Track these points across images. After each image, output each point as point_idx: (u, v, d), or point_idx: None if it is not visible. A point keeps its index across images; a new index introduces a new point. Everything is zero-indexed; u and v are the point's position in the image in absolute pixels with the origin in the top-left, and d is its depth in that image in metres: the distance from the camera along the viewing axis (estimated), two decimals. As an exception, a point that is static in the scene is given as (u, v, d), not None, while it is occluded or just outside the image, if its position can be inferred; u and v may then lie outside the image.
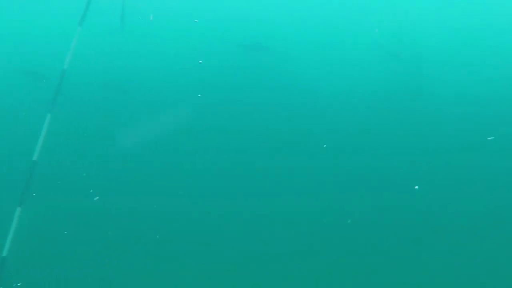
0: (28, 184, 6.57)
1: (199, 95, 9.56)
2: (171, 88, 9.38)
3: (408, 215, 6.49)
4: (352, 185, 7.03)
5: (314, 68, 9.73)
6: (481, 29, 10.97)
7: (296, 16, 11.36)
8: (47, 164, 7.01)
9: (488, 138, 7.74)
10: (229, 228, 6.44)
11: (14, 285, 5.71)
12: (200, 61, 10.04)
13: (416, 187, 6.89)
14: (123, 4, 10.51)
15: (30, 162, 6.76)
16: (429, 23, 11.03)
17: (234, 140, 7.96)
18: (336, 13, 11.39)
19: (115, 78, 9.19)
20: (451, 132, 7.98)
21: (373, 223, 6.48)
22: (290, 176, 7.25)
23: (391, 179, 7.11)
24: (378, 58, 10.12)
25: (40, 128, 7.02)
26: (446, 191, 6.88)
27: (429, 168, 7.29)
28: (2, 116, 7.96)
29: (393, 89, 9.08)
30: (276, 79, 9.61)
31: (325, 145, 7.67)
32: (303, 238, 6.29)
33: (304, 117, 8.42)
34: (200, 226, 6.52)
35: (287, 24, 11.04)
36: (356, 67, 9.78)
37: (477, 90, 9.06)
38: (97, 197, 6.99)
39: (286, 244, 6.19)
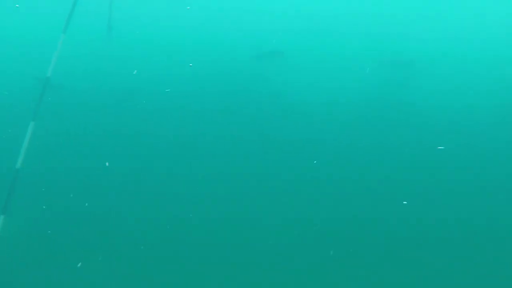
0: (11, 192, 6.55)
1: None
2: (158, 94, 9.41)
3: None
4: (361, 193, 7.05)
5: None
6: (475, 37, 11.13)
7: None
8: (30, 172, 6.99)
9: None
10: (222, 232, 6.44)
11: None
12: (191, 64, 10.09)
13: (405, 202, 6.94)
14: (110, 11, 10.52)
15: (13, 170, 6.74)
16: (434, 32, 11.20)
17: (233, 145, 8.01)
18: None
19: (100, 85, 9.21)
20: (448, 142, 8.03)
21: (367, 232, 6.48)
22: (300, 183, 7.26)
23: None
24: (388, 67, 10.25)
25: (23, 136, 7.00)
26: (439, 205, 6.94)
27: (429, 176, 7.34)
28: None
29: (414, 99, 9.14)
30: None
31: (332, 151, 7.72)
32: (296, 244, 6.28)
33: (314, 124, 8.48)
34: (190, 231, 6.52)
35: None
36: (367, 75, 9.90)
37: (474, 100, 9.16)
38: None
39: (279, 250, 6.18)
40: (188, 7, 10.19)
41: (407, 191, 7.01)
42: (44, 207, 6.76)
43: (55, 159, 7.54)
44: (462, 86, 9.71)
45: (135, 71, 8.81)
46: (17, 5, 10.72)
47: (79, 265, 5.99)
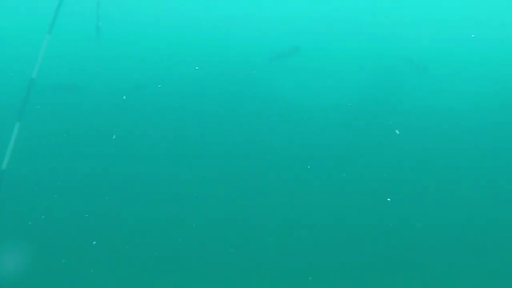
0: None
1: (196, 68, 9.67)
2: (148, 94, 9.40)
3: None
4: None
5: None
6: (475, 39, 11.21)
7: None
8: (15, 173, 6.96)
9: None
10: (221, 233, 6.43)
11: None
12: (197, 68, 10.12)
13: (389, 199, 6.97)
14: (97, 11, 10.48)
15: (-1, 171, 6.73)
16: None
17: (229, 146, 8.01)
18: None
19: (87, 86, 9.17)
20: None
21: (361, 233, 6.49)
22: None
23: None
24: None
25: (8, 137, 6.97)
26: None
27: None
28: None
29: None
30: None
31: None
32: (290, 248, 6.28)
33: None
34: (182, 232, 6.51)
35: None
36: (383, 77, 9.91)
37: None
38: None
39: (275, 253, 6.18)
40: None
41: (411, 193, 7.03)
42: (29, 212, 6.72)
43: (41, 160, 7.51)
44: (472, 86, 9.74)
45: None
46: None
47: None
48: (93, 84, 9.40)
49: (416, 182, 7.21)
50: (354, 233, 6.39)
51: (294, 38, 11.30)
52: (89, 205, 6.78)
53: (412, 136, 8.24)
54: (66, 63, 9.30)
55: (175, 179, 7.29)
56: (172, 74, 9.97)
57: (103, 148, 7.83)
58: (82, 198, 6.92)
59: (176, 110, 8.84)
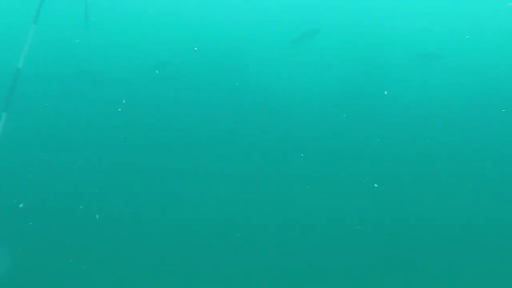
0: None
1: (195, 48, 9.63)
2: (137, 82, 9.38)
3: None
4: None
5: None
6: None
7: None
8: (2, 163, 6.98)
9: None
10: (219, 231, 6.46)
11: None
12: (195, 48, 10.09)
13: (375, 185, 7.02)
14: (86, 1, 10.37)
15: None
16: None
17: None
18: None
19: (76, 74, 9.14)
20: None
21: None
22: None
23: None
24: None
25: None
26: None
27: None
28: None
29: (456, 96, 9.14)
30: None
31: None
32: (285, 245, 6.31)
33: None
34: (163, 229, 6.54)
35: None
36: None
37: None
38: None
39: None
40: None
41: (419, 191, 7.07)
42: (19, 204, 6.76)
43: (27, 150, 7.52)
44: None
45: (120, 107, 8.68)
46: None
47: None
48: (81, 74, 9.37)
49: (415, 175, 7.25)
50: (350, 230, 6.45)
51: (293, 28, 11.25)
52: (78, 195, 6.81)
53: (408, 130, 8.27)
54: (53, 52, 9.24)
55: (167, 170, 7.31)
56: (165, 62, 9.93)
57: (91, 139, 7.85)
58: (70, 188, 6.95)
59: (169, 101, 8.82)
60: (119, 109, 8.19)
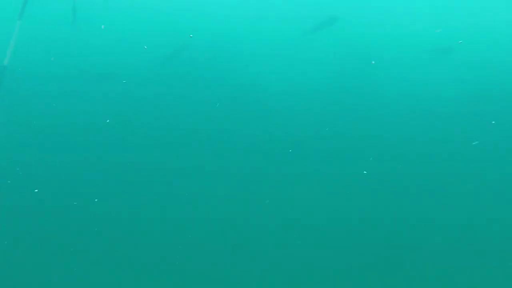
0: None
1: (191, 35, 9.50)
2: (127, 78, 9.24)
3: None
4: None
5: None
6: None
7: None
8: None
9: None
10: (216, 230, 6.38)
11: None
12: (191, 35, 9.93)
13: (365, 171, 6.97)
14: None
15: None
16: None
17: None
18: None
19: (61, 73, 8.97)
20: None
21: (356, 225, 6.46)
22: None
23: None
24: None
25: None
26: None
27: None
28: None
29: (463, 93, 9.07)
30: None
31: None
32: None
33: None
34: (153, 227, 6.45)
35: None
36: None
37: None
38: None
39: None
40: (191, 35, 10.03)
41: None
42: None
43: (13, 149, 7.38)
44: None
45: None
46: None
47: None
48: (69, 70, 9.20)
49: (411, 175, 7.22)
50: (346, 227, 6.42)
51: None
52: (66, 193, 6.69)
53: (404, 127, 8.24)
54: (40, 49, 9.06)
55: (163, 169, 7.20)
56: (153, 59, 9.80)
57: (79, 137, 7.71)
58: (57, 186, 6.81)
59: (166, 99, 8.68)
60: (107, 120, 8.02)
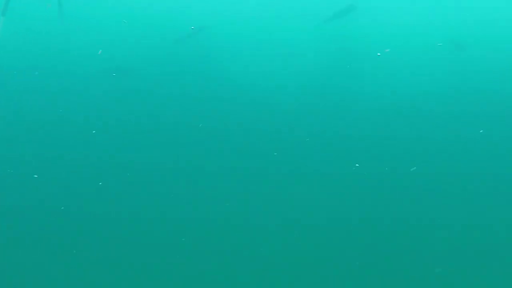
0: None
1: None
2: (115, 73, 9.21)
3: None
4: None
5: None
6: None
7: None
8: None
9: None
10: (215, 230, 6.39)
11: None
12: (192, 27, 9.92)
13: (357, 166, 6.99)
14: None
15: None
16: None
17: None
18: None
19: (48, 68, 8.92)
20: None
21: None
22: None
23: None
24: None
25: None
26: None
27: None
28: None
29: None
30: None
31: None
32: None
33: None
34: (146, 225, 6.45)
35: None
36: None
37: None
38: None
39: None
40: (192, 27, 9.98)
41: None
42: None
43: (10, 147, 7.34)
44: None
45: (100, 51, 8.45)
46: None
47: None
48: (56, 66, 9.14)
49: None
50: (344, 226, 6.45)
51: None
52: (66, 193, 6.67)
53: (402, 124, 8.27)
54: (26, 44, 8.98)
55: (162, 169, 7.18)
56: (146, 54, 9.77)
57: (68, 134, 7.67)
58: (42, 183, 6.79)
59: (163, 97, 8.66)
60: (93, 131, 7.95)
